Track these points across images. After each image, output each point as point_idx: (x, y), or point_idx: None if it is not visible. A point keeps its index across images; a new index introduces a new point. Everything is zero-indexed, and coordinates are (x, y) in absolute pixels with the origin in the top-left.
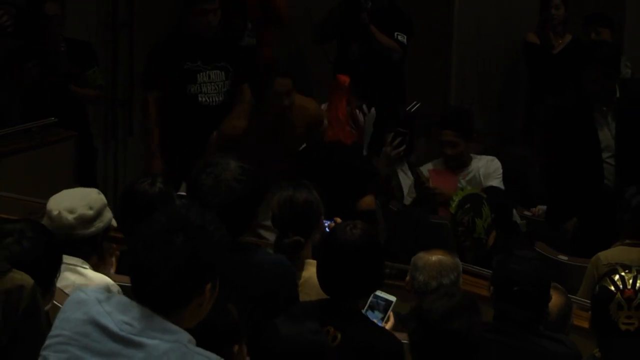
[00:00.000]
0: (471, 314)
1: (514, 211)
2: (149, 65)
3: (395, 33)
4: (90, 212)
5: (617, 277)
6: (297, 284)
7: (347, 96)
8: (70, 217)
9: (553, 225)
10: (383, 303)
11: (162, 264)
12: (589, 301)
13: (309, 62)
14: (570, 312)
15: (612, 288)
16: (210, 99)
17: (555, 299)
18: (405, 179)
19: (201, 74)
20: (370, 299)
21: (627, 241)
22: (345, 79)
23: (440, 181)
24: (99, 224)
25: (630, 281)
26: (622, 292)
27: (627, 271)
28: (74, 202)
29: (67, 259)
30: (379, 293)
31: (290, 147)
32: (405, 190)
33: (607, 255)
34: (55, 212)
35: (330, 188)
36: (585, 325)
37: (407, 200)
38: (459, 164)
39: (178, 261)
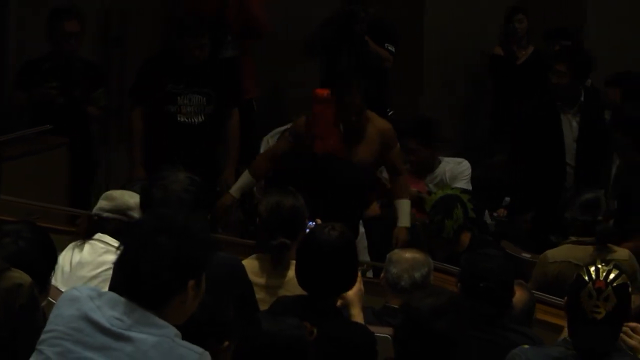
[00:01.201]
0: (456, 313)
1: (486, 212)
2: (137, 81)
3: (385, 44)
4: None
5: (593, 268)
6: (248, 281)
7: (330, 108)
8: (131, 200)
9: (513, 216)
10: None
11: (147, 262)
12: (548, 295)
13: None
14: (534, 306)
15: (586, 278)
16: (190, 119)
17: (519, 295)
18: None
19: (182, 96)
20: None
21: (573, 239)
22: (323, 91)
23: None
24: None
25: (604, 274)
26: (594, 282)
27: (603, 265)
28: (134, 195)
29: (111, 241)
30: None
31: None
32: None
33: (555, 253)
34: (117, 194)
35: (337, 202)
36: (548, 318)
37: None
38: (423, 170)
39: (164, 261)
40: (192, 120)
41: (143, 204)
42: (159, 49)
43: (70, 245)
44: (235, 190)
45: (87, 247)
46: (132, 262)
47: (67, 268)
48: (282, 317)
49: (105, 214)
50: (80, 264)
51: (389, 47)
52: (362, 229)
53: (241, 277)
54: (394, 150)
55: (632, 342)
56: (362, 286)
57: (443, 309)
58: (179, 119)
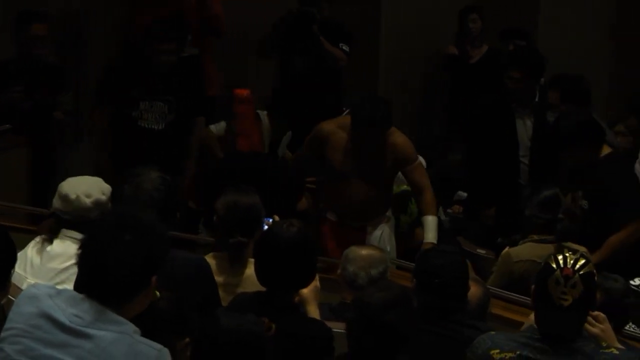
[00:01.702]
0: (405, 306)
1: (440, 208)
2: (102, 82)
3: (340, 43)
4: (104, 197)
5: (561, 256)
6: (213, 280)
7: (252, 107)
8: (87, 201)
9: (472, 213)
10: None
11: (113, 260)
12: (505, 292)
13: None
14: (489, 301)
15: (554, 265)
16: (150, 126)
17: (474, 290)
18: None
19: (144, 102)
20: None
21: (535, 237)
22: (244, 91)
23: None
24: (109, 207)
25: (571, 262)
26: (562, 270)
27: (571, 253)
28: (89, 187)
29: (78, 235)
30: None
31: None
32: None
33: (518, 252)
34: (73, 196)
35: (269, 197)
36: (502, 313)
37: None
38: None
39: (128, 258)
40: (153, 126)
41: (114, 201)
42: (125, 53)
43: (38, 239)
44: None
45: (56, 241)
46: (99, 260)
47: (36, 261)
48: (240, 313)
49: (65, 217)
50: (51, 257)
51: (344, 47)
52: (387, 230)
53: (207, 276)
54: (413, 165)
55: (595, 330)
56: (318, 283)
57: (394, 303)
58: (139, 124)
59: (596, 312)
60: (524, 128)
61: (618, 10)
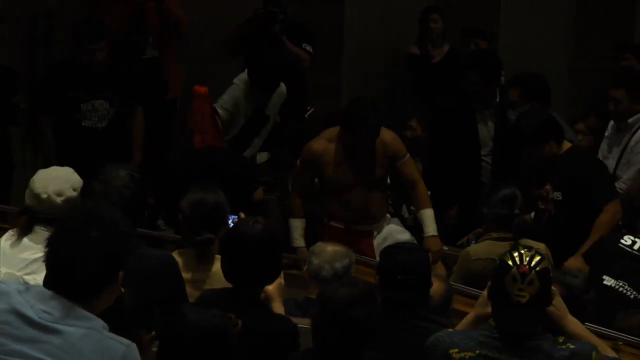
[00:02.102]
0: (369, 302)
1: (403, 206)
2: (40, 91)
3: (303, 44)
4: (75, 194)
5: (516, 253)
6: (180, 276)
7: (207, 104)
8: (58, 200)
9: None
10: None
11: (80, 257)
12: (468, 287)
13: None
14: (451, 297)
15: (510, 263)
16: (94, 125)
17: (437, 286)
18: None
19: (85, 103)
20: None
21: (494, 235)
22: (201, 88)
23: None
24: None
25: (527, 259)
26: (518, 267)
27: (526, 250)
28: (60, 184)
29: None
30: None
31: (371, 179)
32: None
33: (477, 250)
34: (44, 196)
35: (228, 191)
36: (464, 309)
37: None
38: None
39: (95, 254)
40: (97, 125)
41: (86, 197)
42: (59, 58)
43: (12, 232)
44: (299, 239)
45: (29, 235)
46: (65, 258)
47: (7, 251)
48: (205, 308)
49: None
50: (24, 247)
51: (307, 47)
52: (392, 227)
53: (174, 272)
54: (403, 160)
55: (550, 307)
56: (282, 280)
57: (357, 299)
58: (83, 124)
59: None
60: (486, 128)
61: (578, 10)
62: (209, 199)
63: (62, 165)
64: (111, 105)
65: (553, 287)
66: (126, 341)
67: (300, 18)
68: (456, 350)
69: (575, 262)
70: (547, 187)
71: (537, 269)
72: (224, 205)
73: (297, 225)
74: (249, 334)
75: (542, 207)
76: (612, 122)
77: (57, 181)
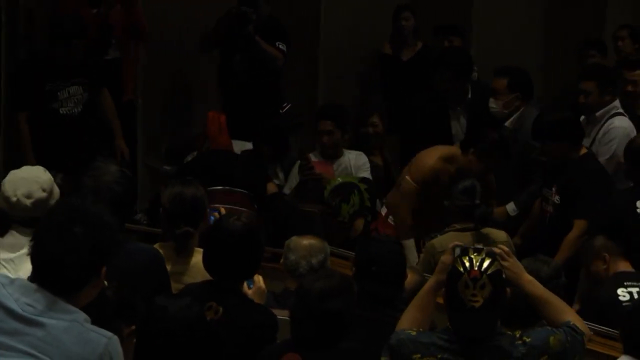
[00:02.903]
0: (347, 294)
1: (377, 202)
2: (14, 87)
3: (277, 42)
4: (44, 195)
5: (467, 258)
6: (165, 270)
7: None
8: (28, 202)
9: None
10: None
11: (64, 252)
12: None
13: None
14: None
15: (461, 269)
16: (70, 110)
17: (411, 278)
18: (281, 179)
19: (61, 91)
20: None
21: (457, 226)
22: (218, 115)
23: (318, 170)
24: (52, 202)
25: (477, 263)
26: (469, 272)
27: (476, 254)
28: (29, 186)
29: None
30: None
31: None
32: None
33: (441, 242)
34: (14, 199)
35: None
36: (441, 300)
37: (287, 190)
38: (333, 154)
39: (79, 250)
40: (73, 111)
41: (74, 193)
42: (29, 53)
43: None
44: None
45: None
46: (50, 252)
47: None
48: (178, 298)
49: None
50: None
51: (280, 46)
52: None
53: (159, 266)
54: None
55: (505, 263)
56: (262, 284)
57: (334, 291)
58: (61, 112)
59: (501, 247)
60: (459, 124)
61: (549, 7)
62: (188, 193)
63: (42, 157)
64: (84, 90)
65: (507, 289)
66: (108, 334)
67: (274, 16)
68: (419, 355)
69: None
70: (554, 188)
71: (488, 272)
72: (202, 199)
73: (412, 245)
74: (230, 321)
75: (545, 207)
76: (582, 118)
77: (25, 183)
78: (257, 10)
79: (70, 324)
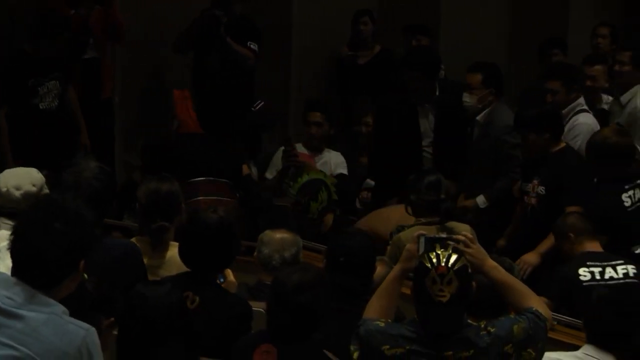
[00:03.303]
0: (320, 288)
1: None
2: None
3: (248, 42)
4: (34, 189)
5: (433, 254)
6: (143, 264)
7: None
8: (17, 193)
9: (376, 204)
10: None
11: (43, 247)
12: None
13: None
14: None
15: (428, 265)
16: (49, 105)
17: (380, 269)
18: (254, 174)
19: (42, 87)
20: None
21: (423, 220)
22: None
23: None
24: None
25: (444, 259)
26: (436, 268)
27: (442, 250)
28: (20, 180)
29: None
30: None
31: None
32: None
33: (407, 236)
34: (4, 189)
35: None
36: (404, 291)
37: (269, 175)
38: (317, 146)
39: (58, 244)
40: (51, 105)
41: (53, 188)
42: (11, 49)
43: None
44: None
45: None
46: (29, 247)
47: None
48: (157, 286)
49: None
50: None
51: (252, 46)
52: None
53: (137, 260)
54: None
55: (469, 250)
56: (233, 278)
57: (309, 284)
58: (40, 107)
59: (464, 233)
60: (427, 121)
61: (514, 8)
62: (163, 188)
63: (21, 152)
64: (60, 84)
65: (473, 282)
66: (86, 325)
67: (245, 15)
68: (388, 347)
69: (531, 258)
70: (535, 181)
71: (455, 268)
72: (177, 194)
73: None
74: (206, 309)
75: (527, 200)
76: None
77: (17, 177)
78: (228, 12)
79: (48, 316)
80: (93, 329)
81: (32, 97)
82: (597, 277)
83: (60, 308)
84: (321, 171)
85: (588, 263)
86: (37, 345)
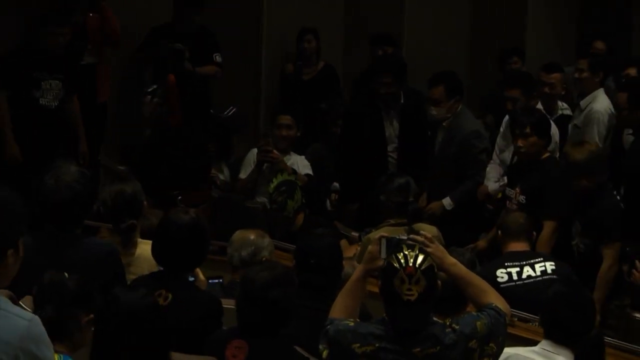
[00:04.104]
0: (288, 284)
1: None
2: (2, 68)
3: (214, 54)
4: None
5: (401, 255)
6: (121, 263)
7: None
8: None
9: (338, 209)
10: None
11: None
12: None
13: None
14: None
15: (397, 265)
16: (49, 103)
17: (348, 269)
18: (226, 175)
19: (45, 82)
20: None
21: (391, 221)
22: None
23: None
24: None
25: (412, 260)
26: (404, 269)
27: (410, 250)
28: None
29: None
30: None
31: None
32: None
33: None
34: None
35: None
36: (372, 289)
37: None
38: (286, 149)
39: None
40: (51, 104)
41: (35, 191)
42: (23, 40)
43: None
44: None
45: None
46: None
47: None
48: (134, 288)
49: None
50: None
51: (217, 57)
52: None
53: (115, 259)
54: None
55: (430, 249)
56: (202, 276)
57: (276, 281)
58: (40, 102)
59: (423, 234)
60: (392, 127)
61: (473, 20)
62: (127, 189)
63: (17, 141)
64: (63, 87)
65: (439, 281)
66: (29, 315)
67: (204, 25)
68: (358, 344)
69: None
70: (517, 189)
71: (422, 268)
72: (140, 194)
73: None
74: (178, 306)
75: (509, 206)
76: (506, 118)
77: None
78: (191, 22)
79: None
80: (37, 318)
81: (34, 89)
82: (515, 277)
83: (2, 300)
84: (292, 173)
85: (506, 264)
86: None
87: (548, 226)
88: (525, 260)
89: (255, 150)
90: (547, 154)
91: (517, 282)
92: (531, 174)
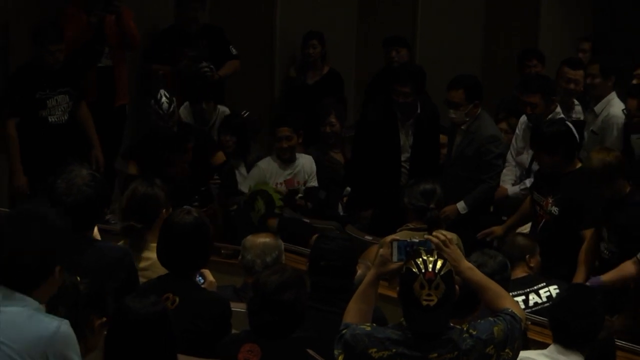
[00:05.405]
0: (299, 287)
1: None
2: (7, 95)
3: (230, 47)
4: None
5: (420, 260)
6: (134, 267)
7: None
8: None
9: (352, 211)
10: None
11: (17, 253)
12: None
13: None
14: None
15: (416, 270)
16: (58, 119)
17: (362, 272)
18: (241, 176)
19: (50, 100)
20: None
21: (411, 225)
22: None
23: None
24: None
25: (431, 265)
26: (424, 274)
27: (429, 256)
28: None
29: None
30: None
31: None
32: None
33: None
34: None
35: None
36: (390, 293)
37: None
38: (290, 158)
39: (32, 250)
40: (61, 119)
41: (47, 194)
42: (22, 64)
43: None
44: None
45: None
46: (5, 252)
47: None
48: (145, 296)
49: None
50: None
51: (233, 50)
52: None
53: (129, 263)
54: None
55: (447, 250)
56: (212, 278)
57: (287, 283)
58: (50, 120)
59: (436, 234)
60: (406, 137)
61: (487, 22)
62: (140, 190)
63: (31, 164)
64: (70, 98)
65: (457, 286)
66: (58, 319)
67: (208, 25)
68: (375, 349)
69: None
70: (550, 199)
71: (441, 273)
72: (155, 197)
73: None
74: (185, 308)
75: (541, 214)
76: (522, 120)
77: None
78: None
79: (22, 309)
80: (66, 321)
81: (40, 109)
82: (522, 306)
83: (34, 303)
84: (265, 182)
85: (512, 294)
86: (14, 332)
87: (589, 235)
88: (529, 287)
89: (261, 165)
90: (578, 165)
91: (525, 310)
92: (563, 187)
